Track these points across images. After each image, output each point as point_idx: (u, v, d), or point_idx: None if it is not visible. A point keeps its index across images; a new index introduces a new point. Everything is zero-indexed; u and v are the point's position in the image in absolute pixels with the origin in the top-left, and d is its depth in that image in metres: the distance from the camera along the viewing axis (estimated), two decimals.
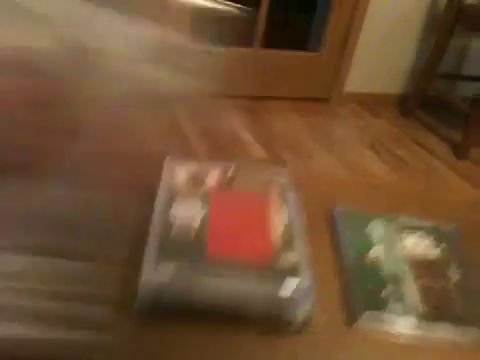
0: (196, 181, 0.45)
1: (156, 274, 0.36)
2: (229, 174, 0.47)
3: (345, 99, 2.66)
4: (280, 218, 0.42)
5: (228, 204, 0.43)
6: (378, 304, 0.42)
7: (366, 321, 0.41)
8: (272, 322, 0.37)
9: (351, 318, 0.42)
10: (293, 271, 0.38)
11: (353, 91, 2.67)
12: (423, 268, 0.44)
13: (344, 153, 2.18)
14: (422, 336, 0.41)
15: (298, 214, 0.43)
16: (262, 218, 0.42)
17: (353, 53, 2.56)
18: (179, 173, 0.45)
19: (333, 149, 2.20)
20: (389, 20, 2.54)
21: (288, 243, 0.40)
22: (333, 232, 0.48)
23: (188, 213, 0.41)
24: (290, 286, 0.36)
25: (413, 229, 0.46)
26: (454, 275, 0.44)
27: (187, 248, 0.39)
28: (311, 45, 2.66)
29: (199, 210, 0.41)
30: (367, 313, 0.41)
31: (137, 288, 0.37)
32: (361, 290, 0.43)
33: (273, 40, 2.47)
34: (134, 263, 0.39)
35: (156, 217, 0.41)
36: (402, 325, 0.41)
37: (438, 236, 0.44)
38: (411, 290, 0.43)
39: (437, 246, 0.43)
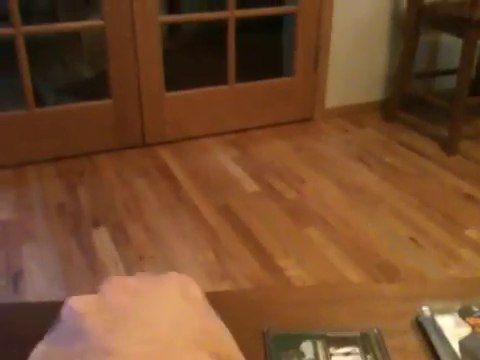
0: None
1: None
2: None
3: (327, 115, 2.68)
4: None
5: None
6: None
7: None
8: None
9: None
10: None
11: (334, 105, 2.70)
12: None
13: (335, 170, 2.19)
14: None
15: None
16: None
17: (327, 69, 2.60)
18: None
19: (323, 168, 2.21)
20: (355, 30, 2.58)
21: None
22: (266, 356, 0.49)
23: None
24: None
25: (341, 343, 0.48)
26: None
27: None
28: (285, 70, 2.70)
29: None
30: None
31: None
32: None
33: (247, 70, 2.51)
34: None
35: None
36: None
37: (365, 345, 0.46)
38: None
39: (365, 356, 0.45)
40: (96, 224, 1.82)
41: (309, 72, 2.58)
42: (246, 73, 2.50)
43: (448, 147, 2.35)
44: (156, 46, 2.26)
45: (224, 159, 2.30)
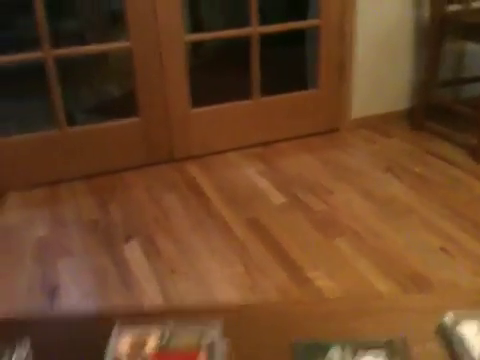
0: (138, 345, 0.54)
1: None
2: (166, 335, 0.55)
3: (353, 126, 2.69)
4: None
5: None
6: None
7: None
8: None
9: None
10: None
11: (360, 116, 2.70)
12: None
13: (363, 182, 2.19)
14: None
15: None
16: None
17: (351, 80, 2.61)
18: (123, 339, 0.54)
19: (351, 180, 2.22)
20: (379, 40, 2.59)
21: None
22: None
23: None
24: None
25: (367, 349, 0.49)
26: None
27: None
28: (310, 82, 2.71)
29: None
30: None
31: None
32: None
33: (271, 79, 2.54)
34: None
35: None
36: None
37: (390, 351, 0.47)
38: None
39: None
40: (128, 239, 1.87)
41: (334, 84, 2.59)
42: (270, 86, 2.53)
43: (477, 155, 2.32)
44: (182, 64, 2.31)
45: (251, 172, 2.32)
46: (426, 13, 2.62)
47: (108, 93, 3.34)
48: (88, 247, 1.83)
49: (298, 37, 2.88)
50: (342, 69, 2.57)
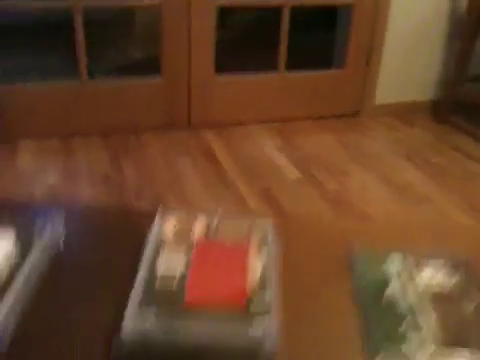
0: (183, 231, 0.49)
1: (136, 322, 0.39)
2: (214, 223, 0.50)
3: (376, 112, 2.64)
4: (258, 265, 0.45)
5: (210, 253, 0.47)
6: (396, 339, 0.42)
7: (386, 358, 0.41)
8: None
9: (371, 356, 0.42)
10: (265, 312, 0.41)
11: (383, 102, 2.65)
12: (440, 299, 0.44)
13: (380, 167, 2.15)
14: None
15: (275, 260, 0.47)
16: (241, 265, 0.45)
17: (379, 65, 2.55)
18: (168, 224, 0.49)
19: (368, 164, 2.18)
20: (412, 27, 2.53)
21: (262, 287, 0.43)
22: (349, 273, 0.48)
23: (172, 264, 0.45)
24: (260, 326, 0.40)
25: (429, 261, 0.47)
26: (471, 303, 0.44)
27: (168, 298, 0.42)
28: (336, 62, 2.66)
29: (182, 260, 0.46)
30: (385, 351, 0.41)
31: (117, 336, 0.39)
32: (379, 328, 0.43)
33: (297, 60, 2.49)
34: (117, 312, 0.42)
35: (142, 268, 0.45)
36: (421, 357, 0.41)
37: (453, 266, 0.45)
38: (429, 321, 0.43)
39: (453, 276, 0.44)
40: (138, 197, 1.85)
41: (361, 66, 2.54)
42: (296, 65, 2.48)
43: None
44: (210, 28, 2.27)
45: (268, 146, 2.29)
46: (463, 6, 2.55)
47: (131, 56, 3.31)
48: (97, 200, 1.81)
49: (329, 21, 2.83)
50: (371, 52, 2.51)
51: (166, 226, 0.49)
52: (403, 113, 2.66)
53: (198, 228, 0.49)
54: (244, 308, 0.41)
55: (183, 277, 0.44)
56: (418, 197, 1.95)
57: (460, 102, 2.58)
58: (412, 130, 2.53)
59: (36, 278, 0.46)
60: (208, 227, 0.50)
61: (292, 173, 2.07)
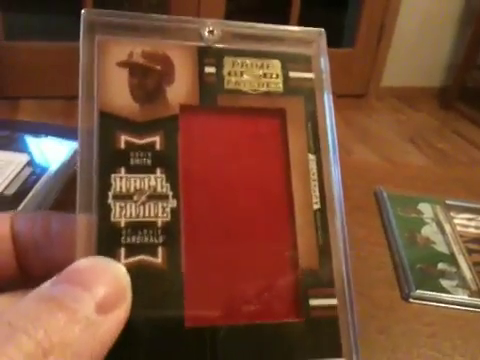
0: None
1: None
2: (206, 70, 0.23)
3: (382, 94, 2.61)
4: (306, 170, 0.22)
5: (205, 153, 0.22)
6: (431, 281, 0.42)
7: (420, 298, 0.41)
8: None
9: (405, 295, 0.42)
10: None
11: (390, 85, 2.63)
12: (474, 245, 0.44)
13: (383, 148, 2.14)
14: (476, 310, 0.41)
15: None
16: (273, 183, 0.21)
17: (389, 47, 2.52)
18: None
19: (372, 144, 2.16)
20: (424, 12, 2.49)
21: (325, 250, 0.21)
22: (381, 213, 0.47)
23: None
24: None
25: (461, 209, 0.47)
26: None
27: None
28: (345, 41, 2.63)
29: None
30: (421, 290, 0.41)
31: None
32: (414, 268, 0.43)
33: None
34: None
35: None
36: (456, 301, 0.41)
37: None
38: (463, 267, 0.43)
39: None
40: None
41: (371, 46, 2.51)
42: None
43: None
44: (220, 1, 2.24)
45: None
46: None
47: None
48: None
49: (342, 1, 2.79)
50: (382, 32, 2.48)
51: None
52: (409, 97, 2.64)
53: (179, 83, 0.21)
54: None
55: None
56: None
57: (468, 90, 2.55)
58: (417, 114, 2.51)
59: (54, 187, 0.48)
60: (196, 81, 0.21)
61: None
